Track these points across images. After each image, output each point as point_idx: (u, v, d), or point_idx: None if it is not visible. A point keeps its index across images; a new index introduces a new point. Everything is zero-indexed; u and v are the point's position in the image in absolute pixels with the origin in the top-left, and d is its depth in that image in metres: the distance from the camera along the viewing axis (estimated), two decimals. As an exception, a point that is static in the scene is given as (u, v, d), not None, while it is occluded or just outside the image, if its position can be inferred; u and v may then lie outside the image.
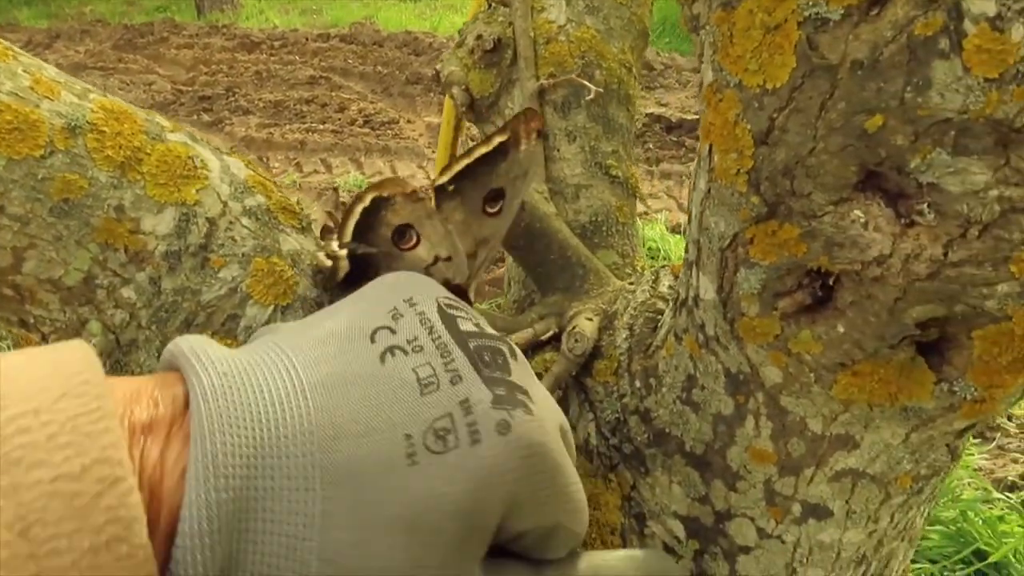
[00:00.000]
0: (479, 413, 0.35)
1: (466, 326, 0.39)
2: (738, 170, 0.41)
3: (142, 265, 0.51)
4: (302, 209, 0.62)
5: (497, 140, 0.52)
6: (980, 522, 1.87)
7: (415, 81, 6.29)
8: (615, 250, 0.70)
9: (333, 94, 5.42)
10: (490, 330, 0.40)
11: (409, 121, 5.45)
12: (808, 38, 0.37)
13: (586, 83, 0.63)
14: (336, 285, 0.55)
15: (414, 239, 0.54)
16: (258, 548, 0.31)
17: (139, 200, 0.51)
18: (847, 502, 0.49)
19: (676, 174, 3.98)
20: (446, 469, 0.34)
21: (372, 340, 0.37)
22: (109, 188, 0.50)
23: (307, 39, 6.90)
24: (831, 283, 0.42)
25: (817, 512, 0.50)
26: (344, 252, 0.54)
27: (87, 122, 0.50)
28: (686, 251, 0.50)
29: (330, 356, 0.36)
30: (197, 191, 0.54)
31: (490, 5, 0.72)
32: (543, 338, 0.59)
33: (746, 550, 0.52)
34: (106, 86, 5.05)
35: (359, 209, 0.55)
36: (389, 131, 5.03)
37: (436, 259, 0.54)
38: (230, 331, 0.54)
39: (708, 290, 0.47)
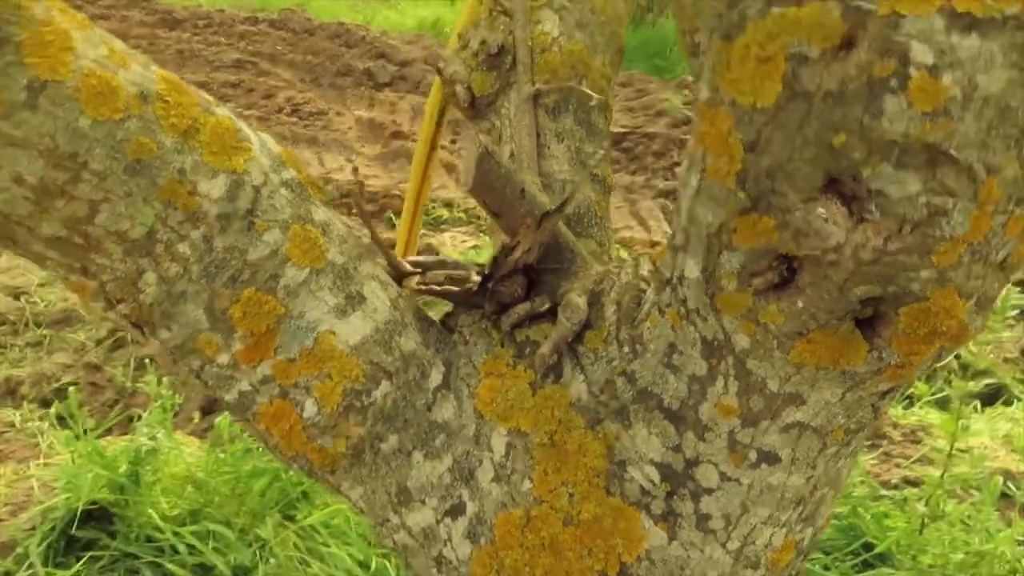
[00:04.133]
0: None
1: None
2: (728, 171, 0.51)
3: (197, 224, 0.57)
4: (324, 185, 0.68)
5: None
6: (868, 517, 2.08)
7: (346, 73, 6.24)
8: (594, 239, 0.79)
9: (260, 80, 5.31)
10: None
11: (339, 113, 5.41)
12: (792, 70, 0.47)
13: (589, 92, 0.72)
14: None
15: None
16: None
17: (197, 165, 0.57)
18: (793, 450, 0.60)
19: (620, 186, 4.11)
20: None
21: None
22: (173, 152, 0.55)
23: (234, 20, 6.73)
24: (795, 266, 0.53)
25: (769, 458, 0.61)
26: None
27: (155, 91, 0.55)
28: (672, 238, 0.60)
29: None
30: (244, 161, 0.60)
31: (491, 12, 0.81)
32: (540, 311, 0.68)
33: (709, 491, 0.62)
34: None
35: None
36: (318, 122, 4.97)
37: None
38: (271, 289, 0.60)
39: (693, 270, 0.57)
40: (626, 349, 0.63)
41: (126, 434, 2.38)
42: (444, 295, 0.68)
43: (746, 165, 0.50)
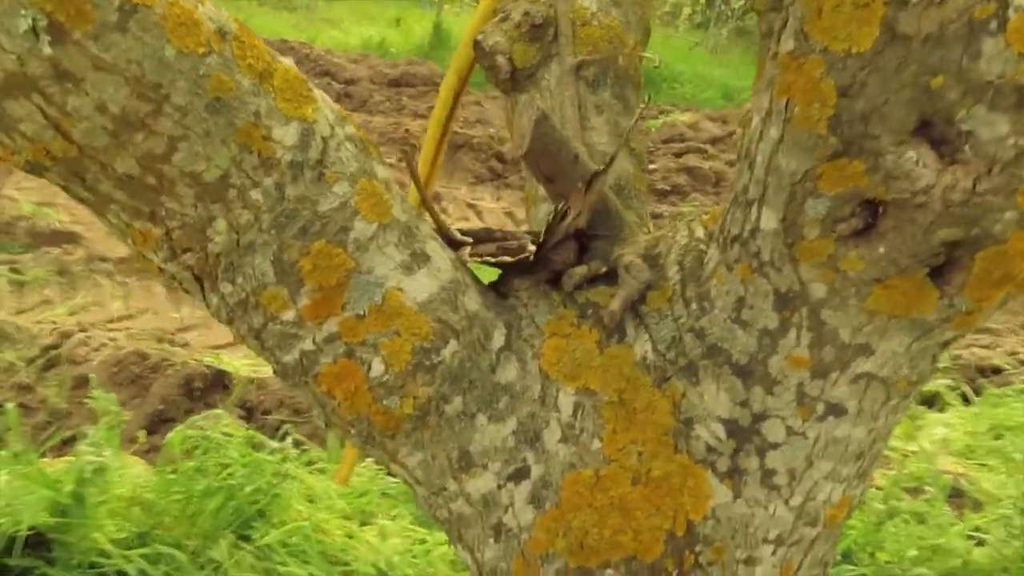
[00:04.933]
0: None
1: None
2: (820, 117, 0.53)
3: (270, 171, 0.54)
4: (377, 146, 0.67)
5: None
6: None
7: (291, 91, 6.11)
8: (634, 211, 0.80)
9: (206, 96, 5.18)
10: None
11: (289, 131, 5.28)
12: (891, 15, 0.49)
13: (648, 55, 0.73)
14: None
15: None
16: None
17: (272, 110, 0.54)
18: (859, 402, 0.61)
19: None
20: None
21: None
22: (250, 94, 0.53)
23: (174, 37, 6.52)
24: (878, 212, 0.54)
25: (836, 410, 0.62)
26: None
27: (233, 30, 0.53)
28: (742, 193, 0.61)
29: None
30: (313, 111, 0.57)
31: (528, -13, 0.81)
32: (599, 274, 0.67)
33: (775, 446, 0.63)
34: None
35: None
36: (265, 139, 4.87)
37: None
38: (341, 242, 0.58)
39: (771, 221, 0.58)
40: (694, 306, 0.64)
41: (62, 456, 2.24)
42: (499, 265, 0.67)
43: (839, 110, 0.52)
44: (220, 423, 2.80)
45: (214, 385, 3.33)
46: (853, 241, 0.55)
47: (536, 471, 0.64)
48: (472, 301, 0.64)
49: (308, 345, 0.59)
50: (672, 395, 0.64)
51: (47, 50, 0.43)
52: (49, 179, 0.51)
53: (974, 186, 0.50)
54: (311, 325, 0.58)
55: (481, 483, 0.64)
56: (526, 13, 0.78)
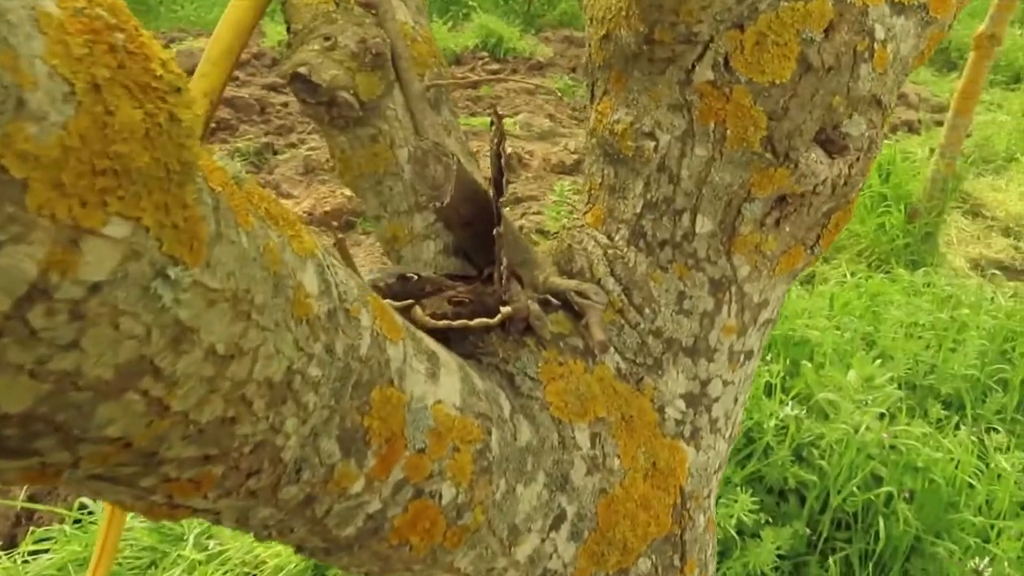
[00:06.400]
0: None
1: None
2: (754, 138, 0.62)
3: (317, 334, 0.43)
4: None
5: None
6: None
7: None
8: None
9: None
10: None
11: None
12: (803, 51, 0.59)
13: (535, 83, 0.71)
14: None
15: None
16: None
17: (294, 259, 0.42)
18: (760, 342, 0.77)
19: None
20: None
21: None
22: (283, 250, 0.40)
23: None
24: (785, 202, 0.67)
25: (750, 355, 0.76)
26: None
27: (242, 173, 0.38)
28: (666, 203, 0.68)
29: None
30: (309, 236, 0.46)
31: (338, 5, 0.70)
32: (550, 304, 0.69)
33: (716, 399, 0.75)
34: None
35: None
36: None
37: None
38: (389, 379, 0.49)
39: (706, 225, 0.67)
40: (647, 311, 0.70)
41: None
42: (484, 328, 0.63)
43: (771, 131, 0.62)
44: None
45: None
46: (772, 227, 0.68)
47: (571, 510, 0.66)
48: (476, 379, 0.60)
49: (375, 506, 0.49)
50: (648, 392, 0.71)
51: (182, 313, 0.27)
52: (78, 479, 0.32)
53: (850, 171, 0.66)
54: (379, 483, 0.49)
55: (527, 547, 0.63)
56: (362, 40, 0.68)
